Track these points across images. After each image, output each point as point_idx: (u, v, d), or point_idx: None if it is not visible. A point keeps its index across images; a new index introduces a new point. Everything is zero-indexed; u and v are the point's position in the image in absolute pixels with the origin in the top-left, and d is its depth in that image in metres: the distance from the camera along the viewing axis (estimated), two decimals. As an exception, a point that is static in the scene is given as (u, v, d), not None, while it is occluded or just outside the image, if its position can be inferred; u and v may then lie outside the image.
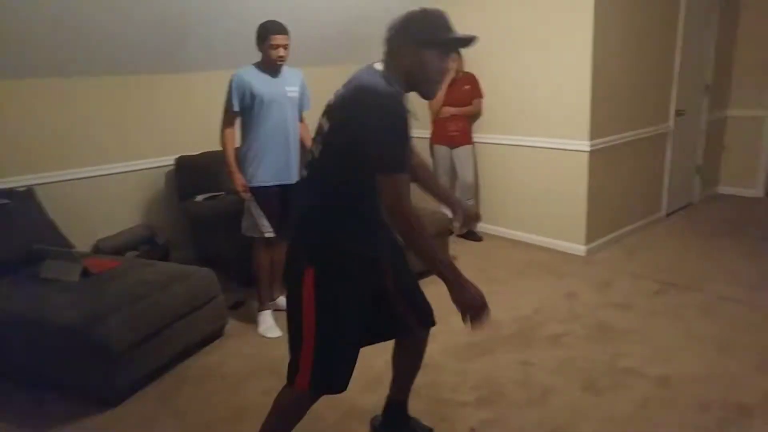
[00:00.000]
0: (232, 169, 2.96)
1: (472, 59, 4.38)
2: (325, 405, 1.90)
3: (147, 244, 3.80)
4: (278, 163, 2.98)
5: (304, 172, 1.71)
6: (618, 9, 3.82)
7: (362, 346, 1.76)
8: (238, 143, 3.02)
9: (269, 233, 3.03)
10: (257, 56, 2.94)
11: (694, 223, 4.68)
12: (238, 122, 3.00)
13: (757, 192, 5.31)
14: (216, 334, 3.07)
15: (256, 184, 2.97)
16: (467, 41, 1.64)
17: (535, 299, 3.38)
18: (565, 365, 2.67)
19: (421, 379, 2.26)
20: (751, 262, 3.76)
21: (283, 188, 3.04)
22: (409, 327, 1.92)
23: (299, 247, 1.68)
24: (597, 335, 2.94)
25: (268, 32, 2.82)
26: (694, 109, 4.88)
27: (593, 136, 3.84)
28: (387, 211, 1.53)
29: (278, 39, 2.83)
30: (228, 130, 2.97)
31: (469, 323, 1.62)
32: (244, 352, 2.93)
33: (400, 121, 1.53)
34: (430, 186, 2.00)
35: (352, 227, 1.66)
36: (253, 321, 3.19)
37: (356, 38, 4.73)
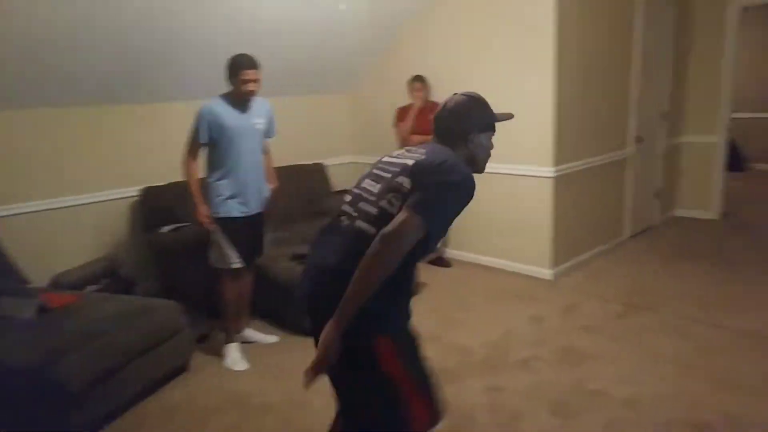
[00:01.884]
0: (196, 200, 2.94)
1: (438, 88, 4.48)
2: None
3: (109, 278, 3.70)
4: (245, 194, 2.98)
5: (364, 227, 1.62)
6: (578, 41, 3.97)
7: None
8: (201, 174, 3.01)
9: (237, 264, 3.00)
10: (224, 87, 2.94)
11: (655, 246, 4.81)
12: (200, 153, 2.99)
13: (712, 214, 5.50)
14: (181, 369, 2.99)
15: (223, 215, 2.95)
16: (508, 117, 1.86)
17: (504, 324, 3.40)
18: (533, 389, 2.68)
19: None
20: (709, 283, 3.87)
21: (250, 219, 3.02)
22: None
23: (359, 318, 1.50)
24: (564, 359, 2.97)
25: (240, 67, 2.83)
26: (652, 135, 5.07)
27: (557, 162, 3.95)
28: (386, 237, 1.47)
29: (250, 74, 2.84)
30: (192, 161, 2.95)
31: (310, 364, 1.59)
32: (209, 387, 2.86)
33: (466, 201, 1.62)
34: None
35: (406, 287, 1.68)
36: (219, 354, 3.13)
37: (319, 70, 4.80)
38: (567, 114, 3.97)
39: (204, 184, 2.97)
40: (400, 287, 1.64)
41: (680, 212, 5.71)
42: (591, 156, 4.31)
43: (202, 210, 2.93)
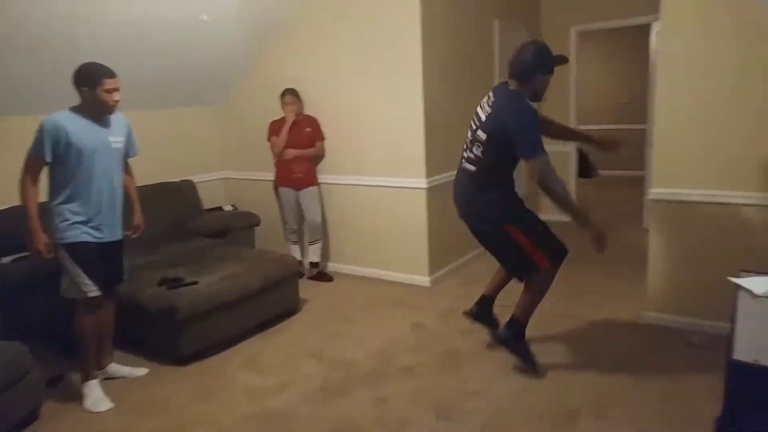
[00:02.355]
0: (33, 226, 2.59)
1: (312, 102, 4.47)
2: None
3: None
4: (99, 218, 2.69)
5: (471, 168, 2.74)
6: (444, 62, 4.17)
7: None
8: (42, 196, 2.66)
9: (94, 293, 2.70)
10: (69, 100, 2.65)
11: (521, 249, 5.16)
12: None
13: (568, 217, 6.02)
14: (30, 418, 2.63)
15: (70, 240, 2.63)
16: (564, 61, 2.75)
17: (387, 333, 3.44)
18: (418, 396, 2.73)
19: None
20: (568, 279, 4.22)
21: (105, 245, 2.75)
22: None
23: (492, 216, 2.75)
24: (446, 362, 3.06)
25: (102, 75, 2.58)
26: (513, 146, 5.47)
27: (429, 174, 4.10)
28: (539, 182, 2.57)
29: (113, 83, 2.61)
30: (32, 181, 2.59)
31: (596, 247, 2.64)
32: (63, 435, 2.54)
33: (535, 119, 2.57)
34: (564, 134, 3.17)
35: (511, 191, 2.77)
36: (77, 397, 2.80)
37: (186, 82, 4.58)
38: (437, 129, 4.15)
39: (46, 208, 2.64)
40: (511, 195, 2.76)
41: (543, 216, 6.17)
42: (460, 166, 4.53)
43: (39, 237, 2.59)
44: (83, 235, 2.65)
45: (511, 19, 5.17)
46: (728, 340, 1.65)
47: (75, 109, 2.65)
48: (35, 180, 2.61)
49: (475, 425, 2.46)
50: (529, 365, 2.86)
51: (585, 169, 7.61)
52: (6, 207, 3.45)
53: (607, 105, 8.80)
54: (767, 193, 2.91)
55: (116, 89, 2.63)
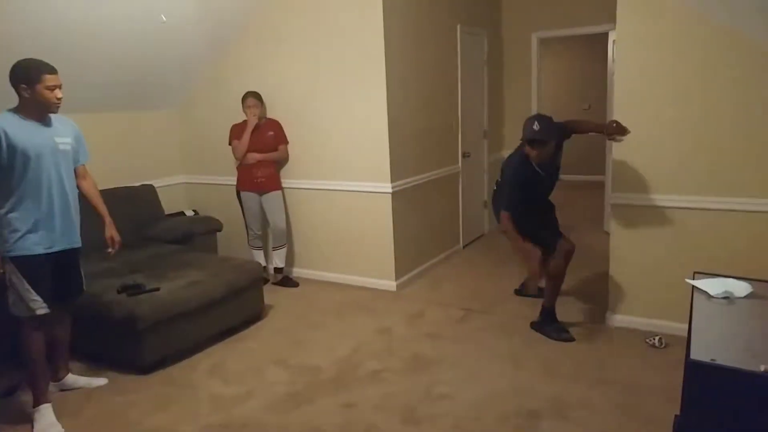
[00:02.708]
0: None
1: (275, 106, 4.42)
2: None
3: None
4: (51, 226, 2.55)
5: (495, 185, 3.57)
6: (407, 66, 4.19)
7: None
8: None
9: (42, 310, 2.54)
10: (6, 101, 2.52)
11: (486, 252, 5.23)
12: None
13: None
14: (-20, 433, 2.51)
15: (18, 253, 2.48)
16: (532, 140, 3.06)
17: (353, 339, 3.42)
18: (385, 401, 2.72)
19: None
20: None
21: (59, 255, 2.61)
22: (553, 248, 3.30)
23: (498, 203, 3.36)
24: (412, 366, 3.06)
25: (42, 72, 2.45)
26: (478, 151, 5.54)
27: (394, 178, 4.11)
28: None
29: (54, 79, 2.48)
30: None
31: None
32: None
33: (516, 180, 3.17)
34: (586, 128, 3.32)
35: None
36: (30, 414, 2.64)
37: (143, 85, 4.47)
38: (401, 133, 4.17)
39: None
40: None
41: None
42: (425, 171, 4.56)
43: None
44: (34, 246, 2.50)
45: (474, 25, 5.25)
46: (687, 341, 1.70)
47: (15, 110, 2.51)
48: None
49: (442, 429, 2.47)
50: (563, 338, 3.28)
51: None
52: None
53: (569, 111, 8.98)
54: (717, 198, 3.03)
55: (58, 86, 2.51)
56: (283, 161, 4.51)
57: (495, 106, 5.90)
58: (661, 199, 3.18)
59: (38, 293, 2.52)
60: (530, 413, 2.56)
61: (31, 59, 2.49)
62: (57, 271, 2.62)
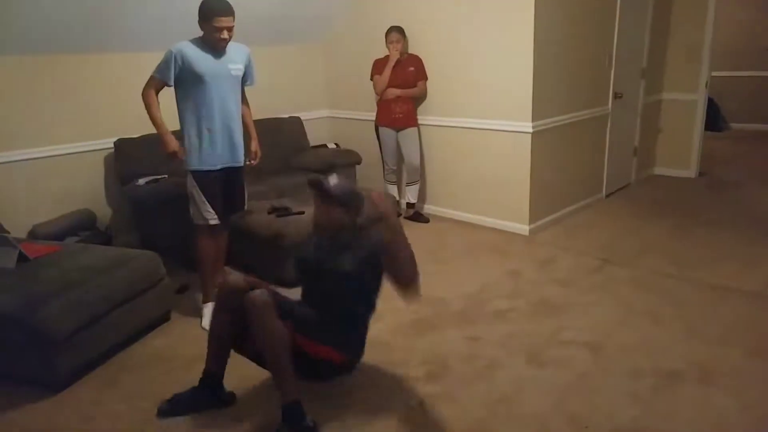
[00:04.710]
0: (162, 131, 2.78)
1: (417, 41, 4.40)
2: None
3: (87, 230, 3.65)
4: (221, 145, 2.88)
5: None
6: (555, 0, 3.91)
7: None
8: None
9: (213, 220, 2.92)
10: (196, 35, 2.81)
11: (631, 204, 4.89)
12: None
13: (690, 173, 5.60)
14: (162, 319, 3.01)
15: (196, 167, 2.85)
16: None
17: (481, 277, 3.46)
18: (509, 339, 2.76)
19: (370, 356, 2.30)
20: (680, 240, 3.98)
21: (227, 171, 2.95)
22: None
23: None
24: (540, 310, 3.04)
25: (213, 13, 2.69)
26: (631, 92, 5.07)
27: (535, 117, 3.94)
28: None
29: (224, 21, 2.71)
30: (152, 93, 2.77)
31: None
32: (191, 336, 2.87)
33: None
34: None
35: None
36: (199, 306, 3.10)
37: (289, 19, 4.63)
38: (546, 69, 3.94)
39: (179, 137, 2.85)
40: None
41: (658, 170, 5.80)
42: (570, 112, 4.31)
43: (169, 141, 2.79)
44: (209, 162, 2.84)
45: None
46: None
47: (196, 40, 2.80)
48: (155, 92, 2.77)
49: (566, 375, 2.46)
50: None
51: (714, 121, 6.92)
52: (138, 135, 3.83)
53: (747, 49, 7.81)
54: None
55: (227, 27, 2.73)
56: (421, 98, 4.53)
57: (658, 40, 5.28)
58: None
59: (211, 205, 2.89)
60: (670, 374, 2.42)
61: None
62: (225, 187, 2.96)
